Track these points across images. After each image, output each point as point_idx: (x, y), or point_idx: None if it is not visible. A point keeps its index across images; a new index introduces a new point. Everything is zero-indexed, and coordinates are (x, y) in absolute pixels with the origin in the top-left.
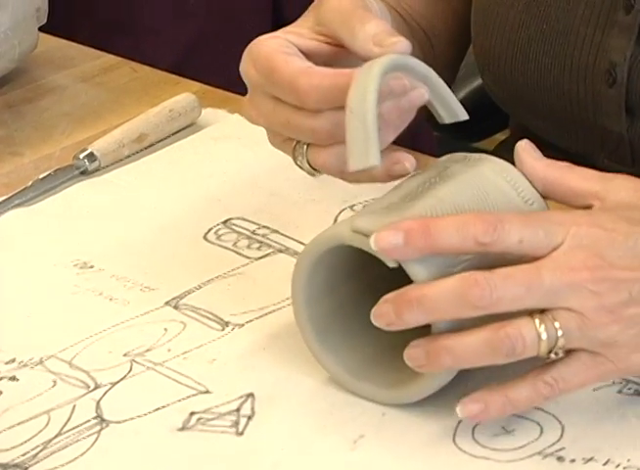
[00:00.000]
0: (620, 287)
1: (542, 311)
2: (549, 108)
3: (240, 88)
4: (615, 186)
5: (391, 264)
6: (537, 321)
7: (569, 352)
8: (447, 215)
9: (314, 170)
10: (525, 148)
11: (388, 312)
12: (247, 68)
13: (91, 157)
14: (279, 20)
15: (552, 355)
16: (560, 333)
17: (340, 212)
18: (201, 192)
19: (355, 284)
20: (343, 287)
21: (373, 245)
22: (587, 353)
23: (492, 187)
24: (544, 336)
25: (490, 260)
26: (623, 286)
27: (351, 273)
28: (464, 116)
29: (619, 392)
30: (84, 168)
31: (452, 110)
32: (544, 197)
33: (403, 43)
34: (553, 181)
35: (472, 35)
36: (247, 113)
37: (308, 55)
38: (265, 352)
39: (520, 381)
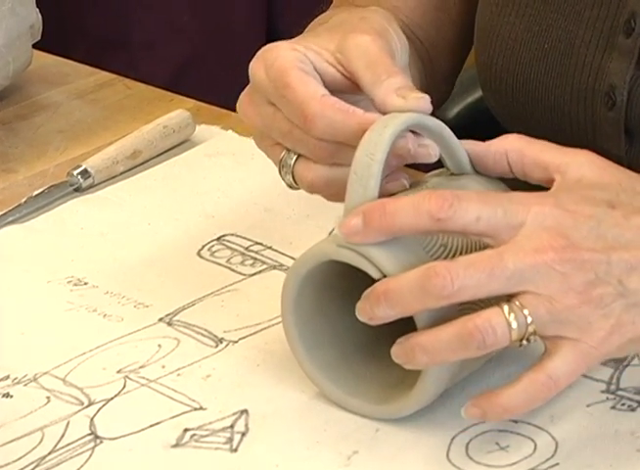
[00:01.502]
0: (587, 267)
1: (510, 299)
2: (549, 128)
3: (234, 105)
4: (576, 161)
5: (375, 275)
6: (506, 310)
7: (552, 344)
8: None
9: (295, 184)
10: (473, 141)
11: (364, 308)
12: (256, 68)
13: (85, 174)
14: (273, 37)
15: (524, 342)
16: (529, 320)
17: (333, 229)
18: (194, 208)
19: (344, 300)
20: (333, 303)
21: (338, 232)
22: (568, 343)
23: None
24: (514, 325)
25: (461, 253)
26: (589, 266)
27: (340, 289)
28: (470, 170)
29: (613, 408)
30: (78, 185)
31: (460, 163)
32: (508, 172)
33: (426, 100)
34: (516, 152)
35: (475, 52)
36: (242, 108)
37: (322, 78)
38: (259, 368)
39: (513, 387)
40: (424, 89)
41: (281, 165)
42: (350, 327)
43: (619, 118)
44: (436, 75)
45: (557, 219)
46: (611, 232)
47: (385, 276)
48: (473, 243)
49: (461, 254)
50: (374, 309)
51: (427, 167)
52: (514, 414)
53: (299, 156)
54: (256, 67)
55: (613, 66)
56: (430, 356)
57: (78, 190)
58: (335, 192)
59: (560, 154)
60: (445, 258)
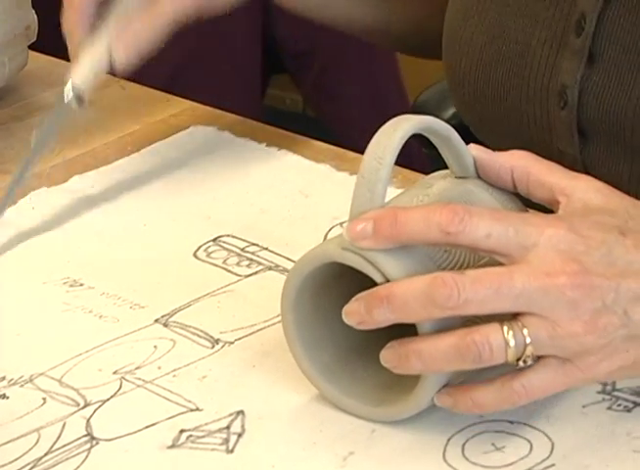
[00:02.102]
0: (595, 294)
1: (513, 318)
2: (510, 129)
3: (230, 106)
4: (582, 185)
5: (379, 280)
6: (506, 328)
7: (539, 357)
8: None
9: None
10: (479, 147)
11: (358, 310)
12: None
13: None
14: (269, 39)
15: (521, 363)
16: (528, 340)
17: (329, 229)
18: (191, 209)
19: (342, 302)
20: (331, 304)
21: (345, 235)
22: (557, 361)
23: (479, 202)
24: (512, 343)
25: (468, 266)
26: (598, 293)
27: (340, 291)
28: (474, 175)
29: (609, 408)
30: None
31: (466, 167)
32: (511, 188)
33: None
34: (521, 170)
35: (443, 55)
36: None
37: None
38: (255, 369)
39: (487, 386)
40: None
41: None
42: (348, 328)
43: (572, 118)
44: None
45: (570, 244)
46: (621, 260)
47: (386, 281)
48: (481, 258)
49: (468, 267)
50: (372, 311)
51: (422, 169)
52: (482, 410)
53: None
54: None
55: (565, 65)
56: (424, 364)
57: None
58: None
59: (566, 177)
60: (452, 269)
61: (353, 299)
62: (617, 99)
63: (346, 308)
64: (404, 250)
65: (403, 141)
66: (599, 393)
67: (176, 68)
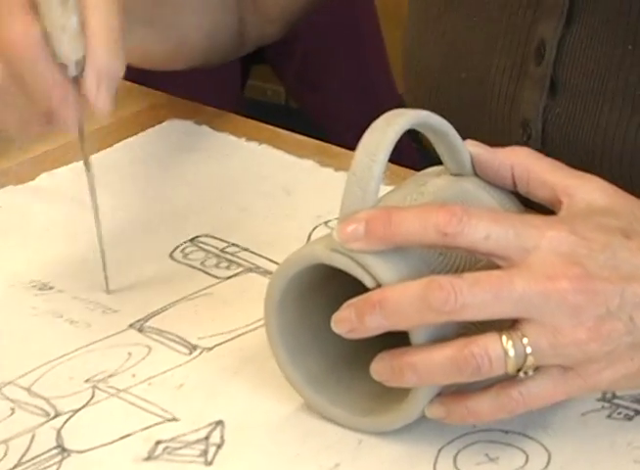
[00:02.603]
0: (599, 299)
1: (512, 326)
2: None
3: (207, 98)
4: (584, 184)
5: (370, 284)
6: (505, 338)
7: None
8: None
9: None
10: (477, 143)
11: (349, 317)
12: None
13: None
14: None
15: (521, 374)
16: (529, 350)
17: (314, 229)
18: (166, 208)
19: (329, 306)
20: (318, 309)
21: (335, 236)
22: (558, 368)
23: (477, 202)
24: (511, 353)
25: (464, 270)
26: (602, 299)
27: (328, 295)
28: (470, 172)
29: (609, 417)
30: None
31: (462, 165)
32: (510, 186)
33: None
34: (522, 167)
35: (403, 77)
36: None
37: None
38: (236, 376)
39: (483, 393)
40: (235, 30)
41: None
42: (336, 334)
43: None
44: (260, 17)
45: (572, 246)
46: (626, 263)
47: (380, 287)
48: (478, 261)
49: (464, 271)
50: (364, 318)
51: (413, 164)
52: (478, 420)
53: None
54: None
55: (526, 95)
56: (419, 377)
57: None
58: None
59: (569, 176)
60: (447, 273)
61: (344, 305)
62: (584, 129)
63: (336, 316)
64: (397, 252)
65: (397, 137)
66: (599, 400)
67: None
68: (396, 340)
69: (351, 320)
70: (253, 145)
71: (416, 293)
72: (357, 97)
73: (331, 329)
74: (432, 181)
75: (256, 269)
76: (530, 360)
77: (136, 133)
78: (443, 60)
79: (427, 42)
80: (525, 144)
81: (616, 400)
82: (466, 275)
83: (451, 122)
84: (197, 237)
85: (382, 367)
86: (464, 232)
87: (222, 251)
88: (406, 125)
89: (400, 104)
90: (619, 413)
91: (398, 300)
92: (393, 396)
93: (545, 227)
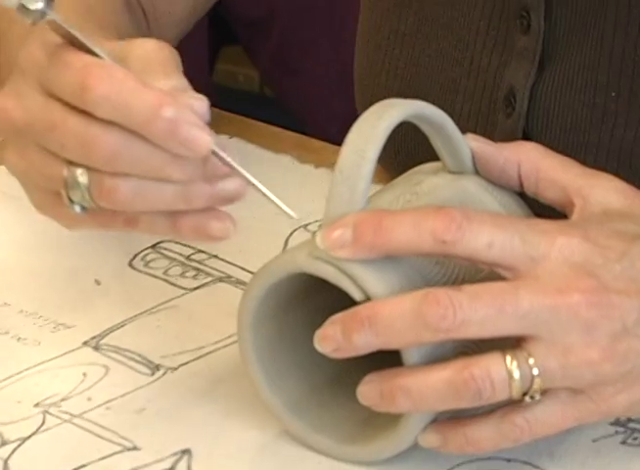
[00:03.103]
0: (614, 315)
1: (517, 345)
2: None
3: None
4: (600, 185)
5: (358, 297)
6: (509, 358)
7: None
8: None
9: (96, 206)
10: (479, 138)
11: (334, 334)
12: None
13: None
14: (216, 3)
15: (527, 399)
16: (536, 372)
17: (291, 233)
18: None
19: (315, 321)
20: (301, 324)
21: (320, 243)
22: (567, 392)
23: (478, 204)
24: (516, 375)
25: (463, 281)
26: (617, 314)
27: (310, 309)
28: (471, 170)
29: (623, 443)
30: None
31: (461, 161)
32: (516, 186)
33: (203, 101)
34: (530, 165)
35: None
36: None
37: None
38: (204, 400)
39: (483, 420)
40: None
41: (67, 187)
42: (318, 353)
43: None
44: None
45: (586, 255)
46: None
47: (369, 300)
48: (479, 271)
49: (464, 283)
50: (351, 336)
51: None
52: (477, 449)
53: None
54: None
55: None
56: (413, 402)
57: None
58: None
59: (583, 175)
60: (445, 285)
61: (328, 321)
62: None
63: (320, 333)
64: (389, 262)
65: (389, 131)
66: (612, 424)
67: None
68: (387, 358)
69: (337, 338)
70: (223, 138)
71: (410, 308)
72: (342, 84)
73: (313, 347)
74: (427, 180)
75: (227, 279)
76: (538, 383)
77: None
78: (398, 97)
79: (378, 74)
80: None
81: (631, 425)
82: (466, 288)
83: (409, 168)
84: (159, 243)
85: (370, 390)
86: (464, 239)
87: (188, 258)
88: (399, 117)
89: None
90: (635, 439)
91: (390, 315)
92: (383, 422)
93: (555, 233)
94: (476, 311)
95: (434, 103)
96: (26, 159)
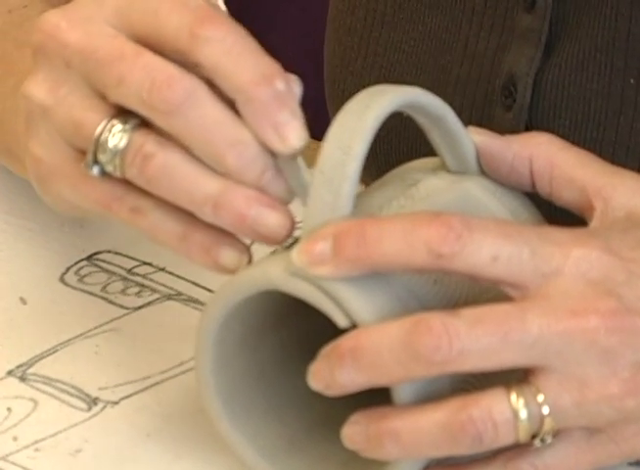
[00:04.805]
0: (639, 342)
1: (524, 378)
2: None
3: None
4: (624, 184)
5: (343, 323)
6: (514, 395)
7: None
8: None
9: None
10: (484, 131)
11: (322, 371)
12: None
13: None
14: None
15: (537, 442)
16: (546, 411)
17: (252, 241)
18: (54, 215)
19: (288, 346)
20: (271, 350)
21: (296, 259)
22: (582, 431)
23: (483, 210)
24: (523, 415)
25: (466, 304)
26: None
27: (283, 333)
28: (475, 169)
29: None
30: None
31: (464, 159)
32: (528, 186)
33: (297, 82)
34: (543, 161)
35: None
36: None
37: None
38: (150, 440)
39: (485, 465)
40: None
41: (98, 143)
42: (295, 385)
43: None
44: None
45: (606, 270)
46: None
47: (355, 326)
48: (485, 291)
49: (466, 305)
50: (334, 373)
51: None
52: None
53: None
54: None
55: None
56: (402, 448)
57: None
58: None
59: (604, 173)
60: (443, 308)
61: (320, 354)
62: None
63: (311, 369)
64: (378, 281)
65: (379, 123)
66: (631, 465)
67: None
68: (378, 393)
69: (324, 375)
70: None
71: (398, 338)
72: (311, 63)
73: (284, 378)
74: (425, 181)
75: (177, 296)
76: (549, 424)
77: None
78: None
79: (353, 62)
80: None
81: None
82: (464, 312)
83: (388, 168)
84: (96, 254)
85: (356, 434)
86: (464, 252)
87: (130, 272)
88: (390, 107)
89: None
90: None
91: (375, 348)
92: (369, 466)
93: (570, 244)
94: (475, 340)
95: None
96: (59, 94)
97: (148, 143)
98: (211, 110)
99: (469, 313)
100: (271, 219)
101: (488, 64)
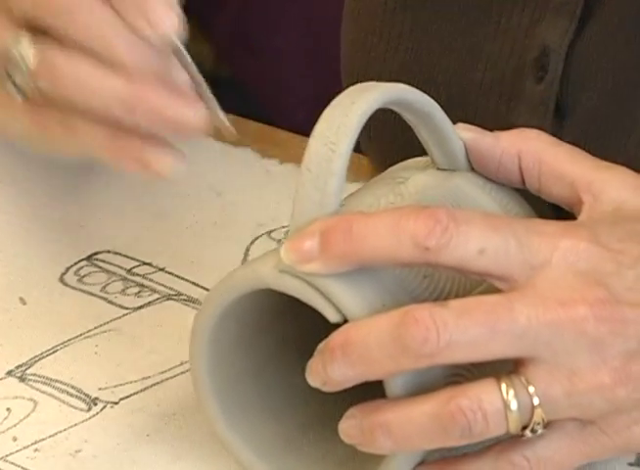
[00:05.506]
0: (629, 332)
1: (514, 369)
2: None
3: None
4: (613, 179)
5: (334, 318)
6: (504, 386)
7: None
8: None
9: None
10: (473, 127)
11: (317, 367)
12: None
13: None
14: None
15: (528, 433)
16: (536, 401)
17: (252, 242)
18: (55, 215)
19: (284, 344)
20: (267, 349)
21: (284, 257)
22: (575, 423)
23: (473, 204)
24: (514, 406)
25: (457, 297)
26: (633, 331)
27: (279, 331)
28: (464, 166)
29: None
30: None
31: (452, 156)
32: (518, 182)
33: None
34: (532, 156)
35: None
36: None
37: None
38: (150, 439)
39: (476, 459)
40: None
41: (9, 61)
42: (291, 384)
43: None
44: None
45: (594, 261)
46: None
47: (347, 321)
48: (478, 286)
49: (456, 297)
50: (327, 368)
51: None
52: None
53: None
54: None
55: (523, 123)
56: (394, 441)
57: None
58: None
59: (594, 168)
60: (434, 300)
61: (316, 350)
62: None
63: (309, 365)
64: (368, 276)
65: (364, 119)
66: (631, 465)
67: None
68: (376, 389)
69: (319, 371)
70: None
71: (386, 331)
72: (311, 63)
73: (281, 378)
74: (414, 178)
75: (176, 296)
76: (539, 414)
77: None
78: (401, 71)
79: (375, 46)
80: None
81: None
82: (452, 303)
83: (417, 153)
84: (96, 254)
85: (351, 427)
86: (450, 245)
87: (130, 272)
88: (376, 103)
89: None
90: None
91: (364, 342)
92: (367, 463)
93: (558, 236)
94: (463, 331)
95: (448, 73)
96: None
97: (51, 50)
98: (97, 7)
99: (457, 304)
100: (184, 109)
101: (521, 38)
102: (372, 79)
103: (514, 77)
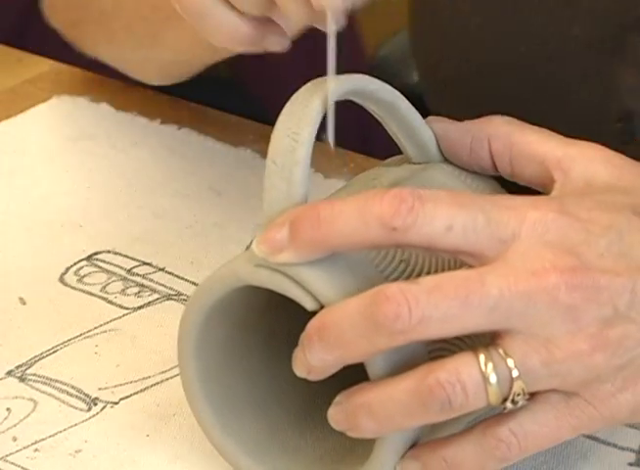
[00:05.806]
0: (603, 298)
1: (492, 342)
2: None
3: (106, 68)
4: (584, 155)
5: (311, 306)
6: (482, 358)
7: (533, 393)
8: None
9: None
10: (441, 119)
11: (299, 356)
12: None
13: None
14: None
15: (509, 405)
16: (515, 373)
17: (252, 241)
18: (54, 215)
19: (272, 341)
20: (255, 348)
21: (256, 250)
22: (559, 394)
23: None
24: (493, 379)
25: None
26: (607, 296)
27: (266, 328)
28: (437, 158)
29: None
30: None
31: (424, 148)
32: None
33: None
34: (502, 140)
35: (410, 43)
36: None
37: None
38: (149, 439)
39: (463, 438)
40: None
41: None
42: (278, 383)
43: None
44: None
45: (563, 231)
46: (638, 249)
47: (324, 308)
48: (447, 262)
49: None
50: (307, 356)
51: (386, 156)
52: None
53: None
54: None
55: (627, 80)
56: (377, 421)
57: None
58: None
59: (562, 145)
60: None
61: (300, 340)
62: None
63: (293, 356)
64: (339, 259)
65: (324, 108)
66: (631, 465)
67: (23, 12)
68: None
69: (302, 359)
70: (171, 129)
71: (358, 311)
72: (311, 63)
73: (272, 376)
74: (388, 173)
75: (177, 296)
76: (519, 386)
77: (12, 115)
78: (487, 29)
79: (458, 4)
80: (625, 146)
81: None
82: (423, 280)
83: (492, 109)
84: (96, 254)
85: (337, 413)
86: (417, 224)
87: (130, 272)
88: (336, 93)
89: (370, 72)
90: None
91: (338, 325)
92: (355, 456)
93: (526, 208)
94: (435, 306)
95: (540, 30)
96: None
97: None
98: None
99: (428, 281)
100: None
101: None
102: (457, 34)
103: (615, 32)
